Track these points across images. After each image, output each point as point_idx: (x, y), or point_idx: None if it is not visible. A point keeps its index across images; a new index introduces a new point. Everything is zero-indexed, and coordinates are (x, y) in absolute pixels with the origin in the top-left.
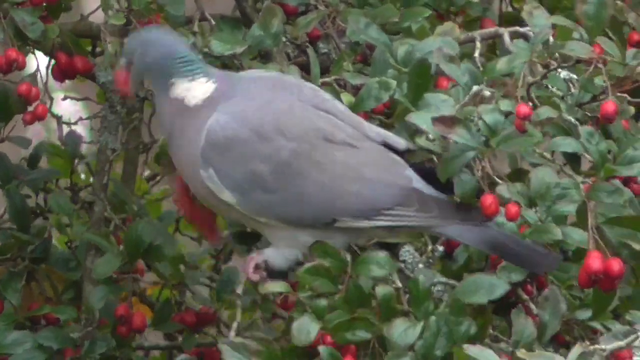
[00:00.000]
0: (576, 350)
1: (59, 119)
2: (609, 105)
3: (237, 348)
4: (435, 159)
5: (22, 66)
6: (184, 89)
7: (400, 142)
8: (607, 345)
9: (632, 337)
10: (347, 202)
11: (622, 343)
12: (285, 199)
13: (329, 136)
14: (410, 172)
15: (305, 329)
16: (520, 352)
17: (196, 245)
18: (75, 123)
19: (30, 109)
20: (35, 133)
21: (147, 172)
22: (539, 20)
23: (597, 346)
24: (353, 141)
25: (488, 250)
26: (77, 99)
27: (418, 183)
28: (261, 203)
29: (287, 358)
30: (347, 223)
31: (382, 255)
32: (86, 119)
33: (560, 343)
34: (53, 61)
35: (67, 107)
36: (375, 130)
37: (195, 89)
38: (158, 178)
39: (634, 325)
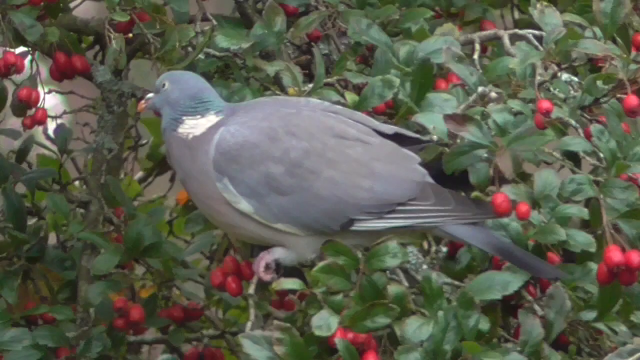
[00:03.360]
0: None
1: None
2: (632, 99)
3: (258, 340)
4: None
5: (20, 70)
6: (191, 126)
7: (411, 133)
8: None
9: None
10: (361, 199)
11: None
12: (301, 200)
13: (340, 133)
14: (422, 167)
15: (325, 322)
16: None
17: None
18: (60, 117)
19: (29, 112)
20: (19, 124)
21: (139, 174)
22: (551, 19)
23: None
24: (364, 137)
25: (494, 253)
26: (62, 93)
27: (430, 178)
28: (277, 207)
29: (308, 343)
30: (364, 224)
31: (393, 244)
32: (70, 112)
33: (564, 344)
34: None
35: (47, 100)
36: (385, 125)
37: (201, 124)
38: (150, 179)
39: None
